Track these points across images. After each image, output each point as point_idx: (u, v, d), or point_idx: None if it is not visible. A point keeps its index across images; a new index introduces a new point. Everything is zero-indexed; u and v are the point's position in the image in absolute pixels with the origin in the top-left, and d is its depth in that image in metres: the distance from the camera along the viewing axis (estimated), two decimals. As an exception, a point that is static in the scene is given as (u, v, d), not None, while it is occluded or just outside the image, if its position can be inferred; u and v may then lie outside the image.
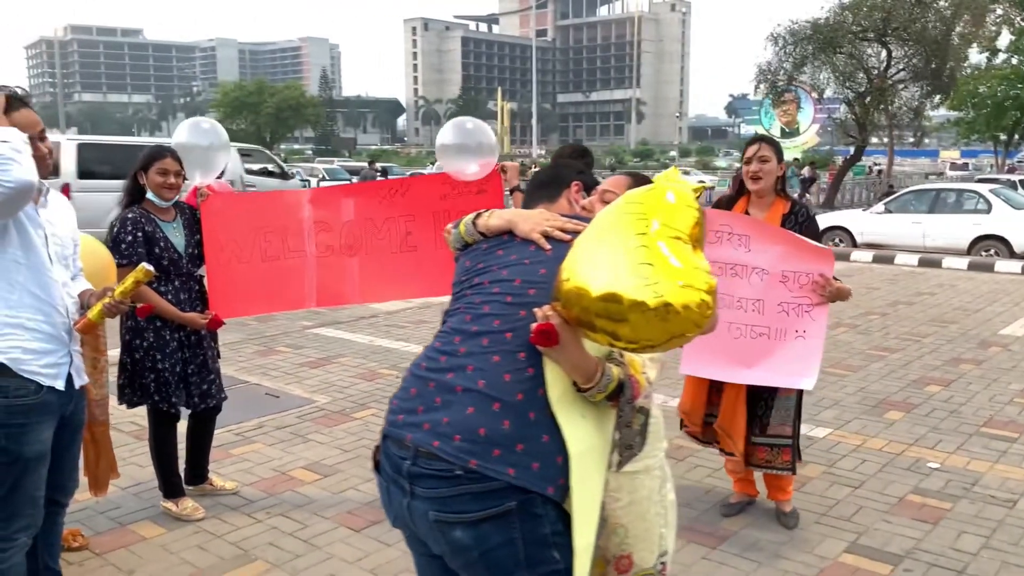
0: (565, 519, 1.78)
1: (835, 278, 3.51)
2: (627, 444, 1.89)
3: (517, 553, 1.75)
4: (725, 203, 3.84)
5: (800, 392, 3.74)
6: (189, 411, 3.83)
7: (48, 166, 2.62)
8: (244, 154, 17.53)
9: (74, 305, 2.67)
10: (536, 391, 1.77)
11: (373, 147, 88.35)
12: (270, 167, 18.59)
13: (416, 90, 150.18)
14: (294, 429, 5.10)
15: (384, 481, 1.87)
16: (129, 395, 3.63)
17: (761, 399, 3.69)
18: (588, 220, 1.88)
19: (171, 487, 3.83)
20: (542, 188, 2.18)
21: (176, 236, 3.63)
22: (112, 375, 3.58)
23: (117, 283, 2.74)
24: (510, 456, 1.72)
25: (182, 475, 3.93)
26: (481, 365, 1.80)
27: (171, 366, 3.61)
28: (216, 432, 4.15)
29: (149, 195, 3.57)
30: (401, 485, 1.80)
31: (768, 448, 3.72)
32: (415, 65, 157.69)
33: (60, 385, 2.56)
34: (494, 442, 1.73)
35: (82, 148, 11.94)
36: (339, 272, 3.82)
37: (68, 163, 11.55)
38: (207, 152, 3.65)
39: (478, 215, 2.07)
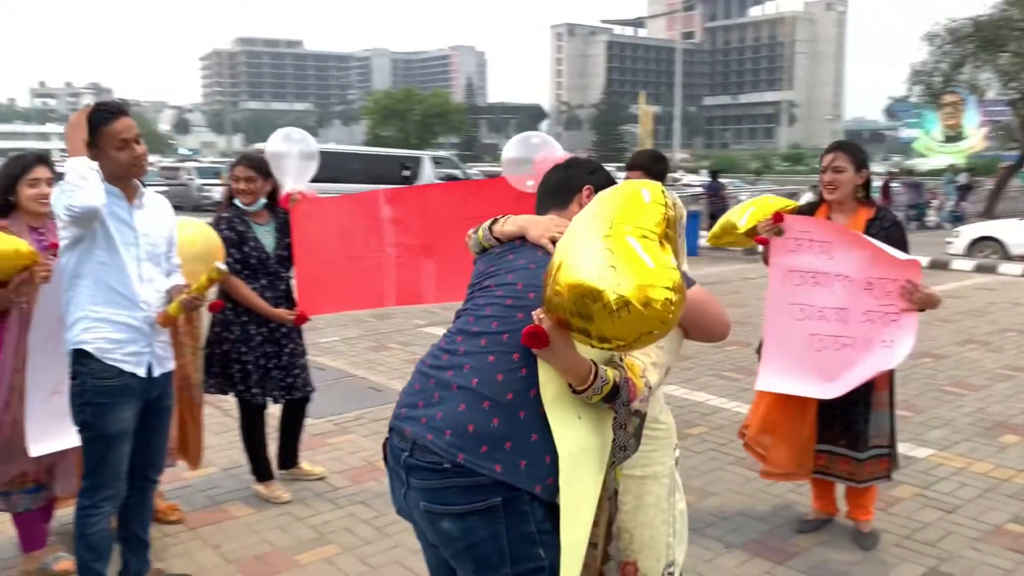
0: (554, 517, 1.83)
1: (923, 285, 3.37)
2: (621, 446, 1.92)
3: (502, 548, 1.81)
4: (807, 209, 3.74)
5: (892, 405, 3.63)
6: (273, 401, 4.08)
7: (143, 168, 2.90)
8: (436, 162, 19.07)
9: (160, 300, 2.93)
10: (528, 391, 1.83)
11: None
12: (456, 173, 19.78)
13: (559, 95, 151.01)
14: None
15: (388, 471, 1.99)
16: (211, 383, 3.90)
17: (859, 416, 3.57)
18: None
19: (261, 471, 4.11)
20: (552, 195, 2.21)
21: (267, 237, 3.90)
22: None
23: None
24: (497, 453, 1.79)
25: (274, 459, 4.21)
26: (477, 364, 1.88)
27: (255, 359, 3.88)
28: (317, 421, 4.41)
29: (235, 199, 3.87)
30: (400, 475, 1.91)
31: (875, 460, 3.59)
32: (559, 71, 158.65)
33: (141, 372, 2.84)
34: (482, 438, 1.80)
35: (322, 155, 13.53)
36: (416, 272, 3.97)
37: None
38: (298, 160, 3.90)
39: (494, 221, 2.14)
